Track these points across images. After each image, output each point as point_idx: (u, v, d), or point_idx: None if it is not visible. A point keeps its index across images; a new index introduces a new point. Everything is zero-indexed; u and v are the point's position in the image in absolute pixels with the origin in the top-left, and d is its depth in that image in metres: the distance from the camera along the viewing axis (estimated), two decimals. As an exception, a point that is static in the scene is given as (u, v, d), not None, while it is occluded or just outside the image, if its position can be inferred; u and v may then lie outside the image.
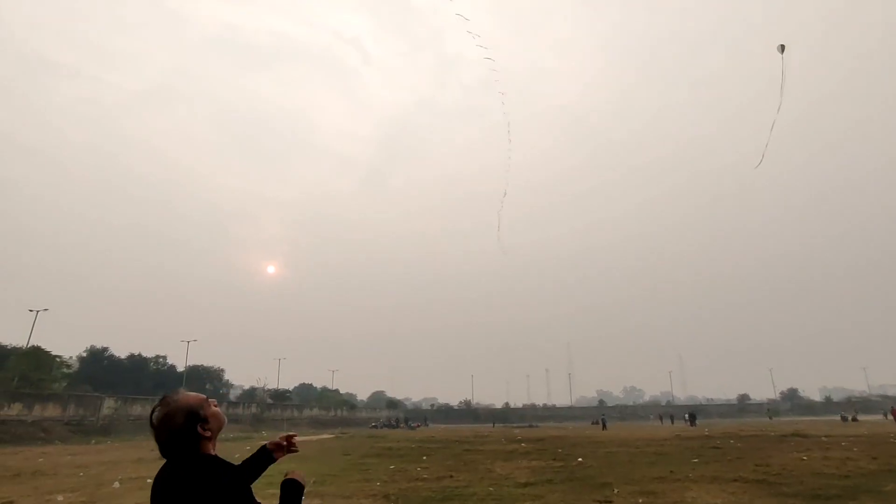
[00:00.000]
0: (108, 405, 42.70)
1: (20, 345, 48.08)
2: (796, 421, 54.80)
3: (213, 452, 1.81)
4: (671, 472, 12.42)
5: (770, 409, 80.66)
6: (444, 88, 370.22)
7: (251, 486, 1.91)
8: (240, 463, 2.01)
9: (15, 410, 35.60)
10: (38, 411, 37.39)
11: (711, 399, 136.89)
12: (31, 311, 46.55)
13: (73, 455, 21.82)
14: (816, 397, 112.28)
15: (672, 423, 59.33)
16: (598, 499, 9.05)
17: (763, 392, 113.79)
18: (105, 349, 65.78)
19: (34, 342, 46.75)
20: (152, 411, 1.81)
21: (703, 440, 23.45)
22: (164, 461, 1.78)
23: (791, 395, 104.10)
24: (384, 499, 9.60)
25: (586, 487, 10.52)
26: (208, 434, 1.80)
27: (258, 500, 1.76)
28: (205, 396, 1.93)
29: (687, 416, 52.94)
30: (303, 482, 2.01)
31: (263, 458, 2.12)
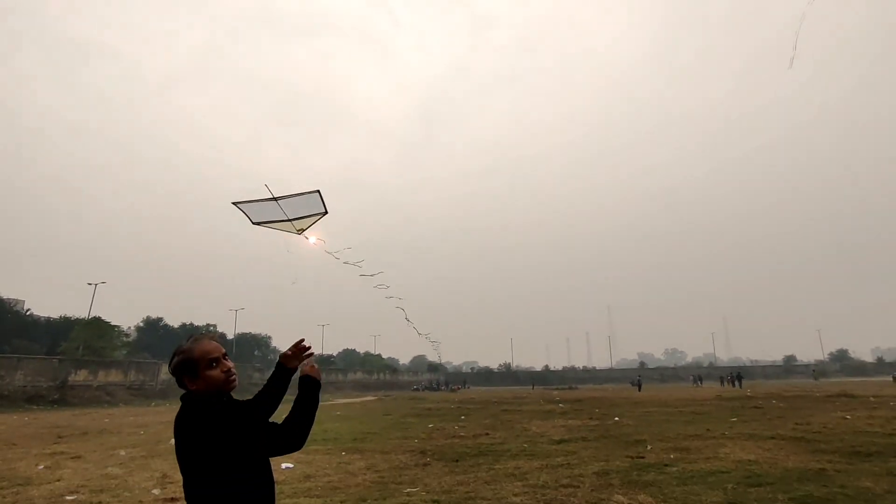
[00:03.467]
0: (165, 371, 45.17)
1: (82, 316, 51.21)
2: (844, 382, 53.23)
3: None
4: (707, 430, 12.45)
5: (816, 370, 78.33)
6: (477, 51, 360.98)
7: (277, 403, 2.04)
8: (264, 385, 2.08)
9: (81, 376, 38.18)
10: (102, 377, 40.00)
11: (756, 360, 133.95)
12: (89, 284, 49.26)
13: (134, 416, 23.39)
14: (868, 358, 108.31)
15: (722, 384, 52.11)
16: (631, 455, 9.20)
17: (811, 353, 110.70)
18: (160, 319, 69.33)
19: (94, 313, 49.64)
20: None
21: (744, 400, 23.23)
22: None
23: (840, 356, 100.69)
24: (421, 454, 10.02)
25: (620, 444, 10.68)
26: (193, 388, 1.92)
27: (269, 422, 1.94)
28: (217, 355, 1.96)
29: (729, 376, 51.93)
30: (317, 377, 2.16)
31: (281, 373, 2.11)
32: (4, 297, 54.99)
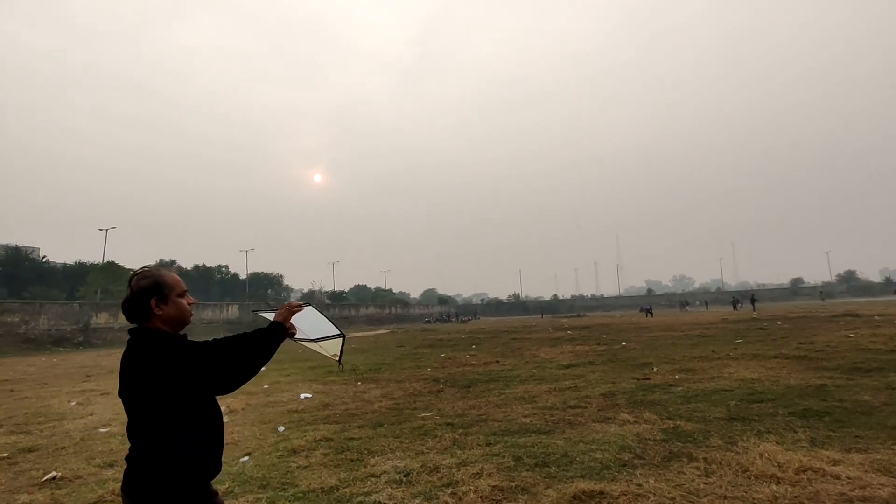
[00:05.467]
0: (183, 312, 46.39)
1: (97, 261, 52.18)
2: (850, 302, 53.64)
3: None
4: (712, 351, 12.73)
5: (823, 291, 78.74)
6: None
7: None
8: (247, 334, 1.88)
9: (102, 319, 39.34)
10: (122, 319, 40.53)
11: (763, 284, 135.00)
12: (100, 230, 49.85)
13: (157, 354, 24.19)
14: (877, 279, 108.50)
15: (734, 307, 48.71)
16: (637, 377, 9.48)
17: (819, 275, 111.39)
18: (173, 262, 70.32)
19: (108, 258, 50.54)
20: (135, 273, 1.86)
21: (750, 322, 23.60)
22: None
23: (848, 277, 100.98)
24: (434, 382, 10.40)
25: (626, 367, 11.01)
26: (159, 312, 1.78)
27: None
28: (185, 288, 1.89)
29: (734, 299, 52.39)
30: (289, 328, 1.93)
31: (276, 330, 1.93)
32: (21, 246, 55.95)
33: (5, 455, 5.92)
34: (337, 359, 2.50)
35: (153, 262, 69.47)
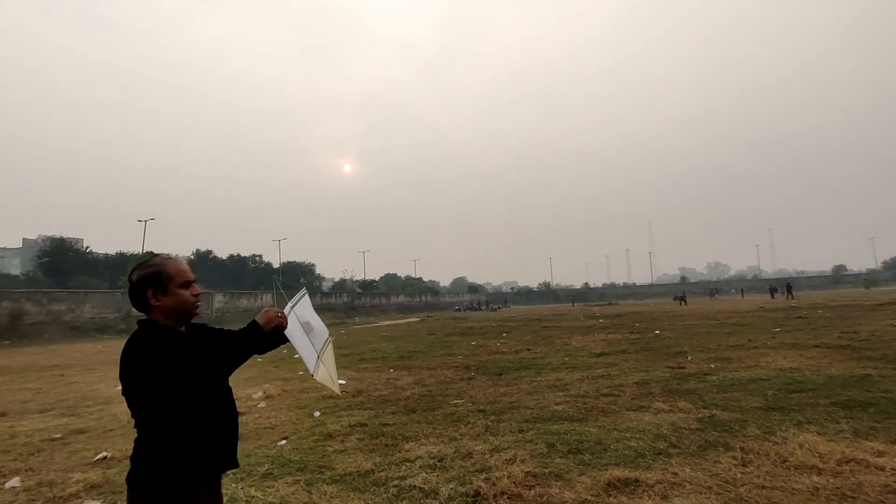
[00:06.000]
0: (219, 300, 47.78)
1: (137, 251, 53.97)
2: (898, 289, 51.53)
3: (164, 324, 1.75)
4: (749, 340, 12.45)
5: (868, 278, 75.78)
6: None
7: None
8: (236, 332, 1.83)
9: (142, 308, 40.75)
10: (161, 307, 42.65)
11: (802, 271, 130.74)
12: (139, 221, 51.52)
13: (196, 341, 24.96)
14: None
15: (772, 296, 47.07)
16: (671, 365, 9.33)
17: (863, 262, 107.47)
18: (209, 252, 72.18)
19: (147, 248, 52.20)
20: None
21: (788, 311, 22.94)
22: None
23: (894, 264, 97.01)
24: (465, 369, 10.46)
25: (660, 356, 10.84)
26: (156, 304, 1.74)
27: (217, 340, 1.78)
28: (191, 278, 1.82)
29: (769, 287, 50.91)
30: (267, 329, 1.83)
31: (255, 333, 1.82)
32: (65, 237, 58.26)
33: (58, 436, 6.24)
34: (340, 390, 2.28)
35: (189, 253, 71.65)
